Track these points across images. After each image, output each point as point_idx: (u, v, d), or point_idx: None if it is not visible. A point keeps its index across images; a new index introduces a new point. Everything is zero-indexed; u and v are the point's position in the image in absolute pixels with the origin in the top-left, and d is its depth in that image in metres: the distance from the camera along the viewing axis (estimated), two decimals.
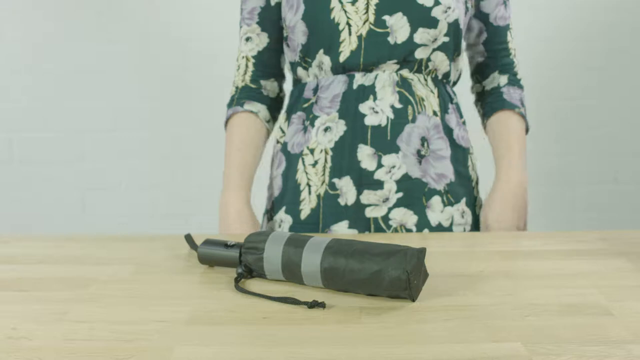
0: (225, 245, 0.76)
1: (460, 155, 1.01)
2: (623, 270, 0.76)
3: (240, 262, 0.75)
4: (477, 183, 1.05)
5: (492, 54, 1.09)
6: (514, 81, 1.09)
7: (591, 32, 2.14)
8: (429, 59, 0.96)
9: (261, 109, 1.07)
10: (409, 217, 0.96)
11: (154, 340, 0.58)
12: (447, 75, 1.00)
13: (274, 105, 1.10)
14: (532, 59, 2.11)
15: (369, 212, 0.96)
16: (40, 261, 0.82)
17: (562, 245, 0.87)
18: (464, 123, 1.05)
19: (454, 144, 1.00)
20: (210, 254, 0.77)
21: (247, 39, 1.05)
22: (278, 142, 1.07)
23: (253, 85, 1.07)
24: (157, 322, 0.62)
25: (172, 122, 2.23)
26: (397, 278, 0.65)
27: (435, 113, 0.97)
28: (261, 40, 1.05)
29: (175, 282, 0.73)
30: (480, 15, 1.06)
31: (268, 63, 1.06)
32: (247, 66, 1.06)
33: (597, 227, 2.22)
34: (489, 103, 1.09)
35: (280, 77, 1.10)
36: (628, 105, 2.20)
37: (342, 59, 0.95)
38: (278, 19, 1.04)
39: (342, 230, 0.96)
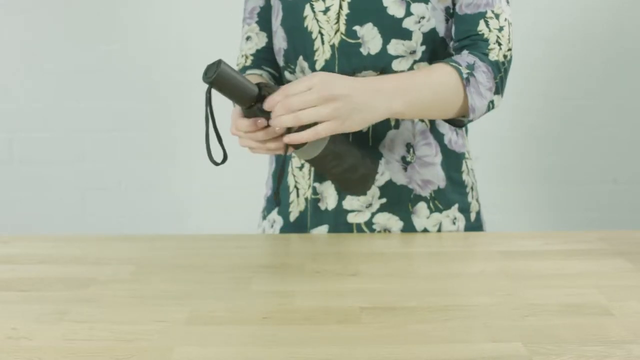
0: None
1: (453, 160, 0.99)
2: (623, 270, 0.76)
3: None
4: (472, 188, 1.03)
5: (460, 42, 0.92)
6: (480, 55, 0.89)
7: (591, 33, 2.14)
8: (411, 69, 0.92)
9: (264, 73, 1.02)
10: (394, 222, 0.95)
11: (154, 341, 0.58)
12: None
13: (277, 79, 1.05)
14: (533, 60, 2.10)
15: (352, 218, 0.95)
16: (40, 261, 0.82)
17: (562, 245, 0.87)
18: None
19: (445, 150, 0.98)
20: (234, 73, 0.72)
21: (248, 38, 1.05)
22: None
23: (254, 65, 1.05)
24: (157, 322, 0.62)
25: (171, 122, 2.23)
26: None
27: (421, 119, 0.96)
28: (260, 40, 1.04)
29: (175, 283, 0.73)
30: (453, 8, 0.93)
31: (268, 59, 1.05)
32: (245, 62, 1.05)
33: (597, 227, 2.22)
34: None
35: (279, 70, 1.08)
36: (628, 105, 2.20)
37: (318, 67, 0.94)
38: None
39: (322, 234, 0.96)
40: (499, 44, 0.90)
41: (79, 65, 2.19)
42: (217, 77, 0.70)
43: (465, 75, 0.86)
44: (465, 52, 0.90)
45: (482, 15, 0.90)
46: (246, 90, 0.73)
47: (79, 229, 2.25)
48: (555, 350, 0.55)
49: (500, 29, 0.91)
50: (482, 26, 0.90)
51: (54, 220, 2.27)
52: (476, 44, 0.90)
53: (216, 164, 0.78)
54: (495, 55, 0.90)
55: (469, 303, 0.66)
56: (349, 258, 0.82)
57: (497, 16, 0.91)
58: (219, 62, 0.71)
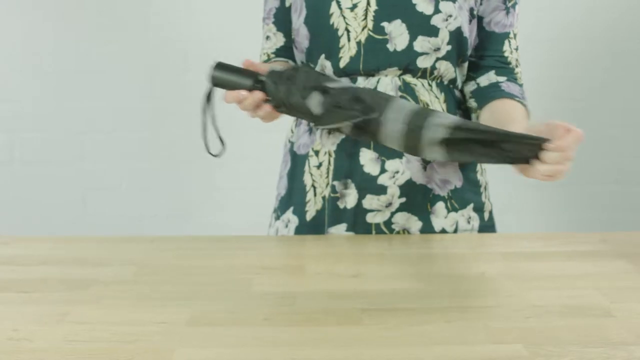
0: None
1: None
2: (624, 272, 0.76)
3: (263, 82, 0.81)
4: (485, 188, 1.04)
5: (485, 60, 1.00)
6: (514, 80, 0.99)
7: (594, 33, 2.14)
8: (433, 67, 0.95)
9: (290, 60, 1.06)
10: (413, 223, 0.95)
11: (155, 342, 0.58)
12: (453, 81, 0.99)
13: None
14: (535, 60, 2.10)
15: (371, 218, 0.95)
16: (40, 262, 0.82)
17: (564, 246, 0.87)
18: None
19: None
20: (229, 69, 0.84)
21: (267, 38, 1.07)
22: (289, 141, 1.07)
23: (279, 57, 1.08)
24: (158, 324, 0.62)
25: (172, 122, 2.23)
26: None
27: None
28: (278, 40, 1.06)
29: (176, 284, 0.73)
30: (477, 19, 0.99)
31: (287, 57, 1.07)
32: (268, 59, 1.07)
33: (598, 228, 2.22)
34: (485, 95, 0.98)
35: None
36: (630, 106, 2.20)
37: (342, 64, 0.95)
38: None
39: (340, 233, 0.96)
40: (518, 66, 1.01)
41: (79, 65, 2.19)
42: (211, 81, 0.84)
43: (527, 107, 0.96)
44: (503, 78, 0.98)
45: (507, 35, 0.99)
46: (240, 85, 0.84)
47: (80, 229, 2.25)
48: (556, 352, 0.55)
49: (517, 48, 1.01)
50: (506, 46, 0.99)
51: (55, 221, 2.27)
52: (501, 65, 0.99)
53: (214, 155, 0.88)
54: (520, 79, 1.01)
55: (470, 304, 0.66)
56: (350, 259, 0.82)
57: (514, 36, 1.00)
58: (213, 66, 0.84)
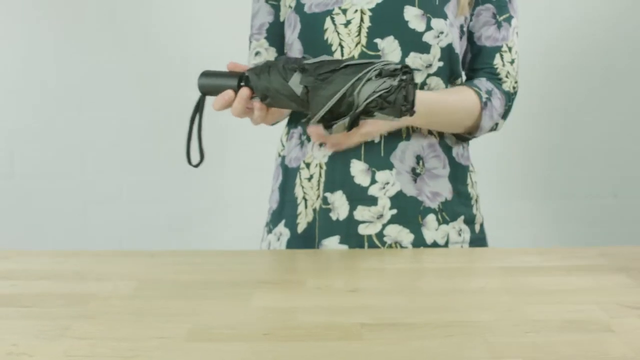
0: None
1: (459, 173, 1.01)
2: (624, 287, 0.76)
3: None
4: (477, 201, 1.05)
5: (476, 73, 1.02)
6: (497, 84, 1.00)
7: (591, 44, 2.16)
8: (424, 83, 0.96)
9: None
10: (405, 235, 0.96)
11: (154, 357, 0.58)
12: None
13: None
14: (531, 71, 2.11)
15: (363, 230, 0.96)
16: (40, 277, 0.82)
17: (563, 261, 0.87)
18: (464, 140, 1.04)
19: (453, 162, 1.00)
20: (214, 74, 0.86)
21: (257, 53, 1.08)
22: (279, 155, 1.08)
23: None
24: (157, 339, 0.62)
25: (172, 134, 2.23)
26: None
27: (430, 132, 0.98)
28: (269, 55, 1.06)
29: (176, 298, 0.73)
30: (468, 34, 1.01)
31: None
32: None
33: (597, 241, 2.22)
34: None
35: None
36: (628, 118, 2.21)
37: None
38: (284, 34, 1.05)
39: (333, 245, 0.96)
40: (510, 77, 1.02)
41: (80, 77, 2.21)
42: (200, 89, 0.87)
43: (484, 100, 0.98)
44: (483, 78, 1.00)
45: (499, 49, 1.01)
46: (227, 87, 0.85)
47: (81, 241, 2.25)
48: None
49: (512, 61, 1.02)
50: (497, 60, 1.01)
51: (56, 233, 2.27)
52: (491, 77, 1.01)
53: (193, 165, 0.89)
54: (507, 86, 1.01)
55: (470, 319, 0.66)
56: (349, 274, 0.82)
57: (509, 49, 1.01)
58: (200, 75, 0.87)
